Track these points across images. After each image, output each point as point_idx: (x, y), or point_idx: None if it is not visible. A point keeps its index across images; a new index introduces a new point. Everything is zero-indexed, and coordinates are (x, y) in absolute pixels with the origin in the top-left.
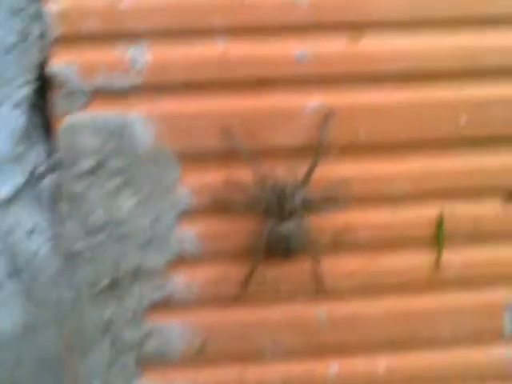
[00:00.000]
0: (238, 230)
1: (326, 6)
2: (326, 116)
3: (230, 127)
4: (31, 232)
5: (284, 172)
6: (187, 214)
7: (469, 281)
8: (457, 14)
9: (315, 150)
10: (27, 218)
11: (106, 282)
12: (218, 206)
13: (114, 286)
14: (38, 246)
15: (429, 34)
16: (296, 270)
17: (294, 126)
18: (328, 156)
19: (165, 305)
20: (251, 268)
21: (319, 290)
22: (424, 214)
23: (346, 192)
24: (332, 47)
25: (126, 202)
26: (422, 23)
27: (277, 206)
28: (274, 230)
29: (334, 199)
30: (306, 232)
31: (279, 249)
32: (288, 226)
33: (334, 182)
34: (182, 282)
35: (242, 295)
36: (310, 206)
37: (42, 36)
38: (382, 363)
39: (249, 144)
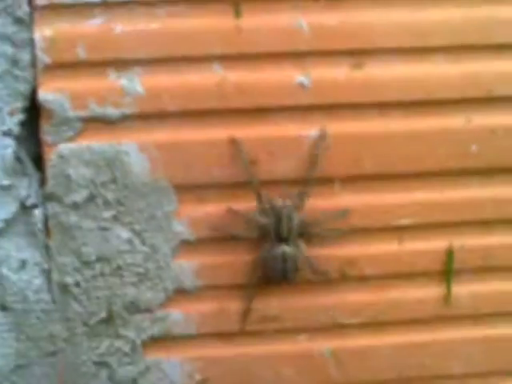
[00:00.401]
0: (237, 262)
1: (327, 32)
2: (319, 137)
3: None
4: (22, 265)
5: (282, 196)
6: (184, 246)
7: (479, 314)
8: (462, 41)
9: (308, 171)
10: (18, 250)
11: (101, 315)
12: (216, 233)
13: (109, 319)
14: (30, 278)
15: (434, 61)
16: (300, 304)
17: (294, 155)
18: (328, 184)
19: (163, 339)
20: (250, 293)
21: (315, 272)
22: (433, 246)
23: (344, 221)
24: (334, 74)
25: (121, 235)
26: (427, 50)
27: (274, 228)
28: (271, 252)
29: (330, 225)
30: (301, 254)
31: (276, 271)
32: (284, 248)
33: (333, 210)
34: (180, 315)
35: (245, 324)
36: (307, 230)
37: (32, 63)
38: None
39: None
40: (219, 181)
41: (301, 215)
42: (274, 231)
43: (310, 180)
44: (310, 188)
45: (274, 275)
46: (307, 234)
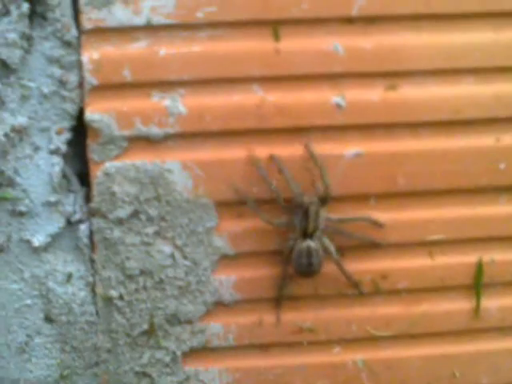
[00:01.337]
0: (273, 276)
1: (362, 55)
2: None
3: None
4: (68, 278)
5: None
6: (223, 261)
7: (507, 327)
8: (491, 63)
9: (321, 176)
10: (64, 264)
11: (143, 327)
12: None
13: (151, 331)
14: (75, 291)
15: (464, 82)
16: (334, 317)
17: (331, 174)
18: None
19: (202, 350)
20: (280, 284)
21: (353, 285)
22: (463, 260)
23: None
24: (368, 96)
25: (163, 249)
26: (458, 72)
27: (300, 223)
28: (296, 247)
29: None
30: (326, 249)
31: (301, 265)
32: (309, 243)
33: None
34: (219, 327)
35: (279, 314)
36: (333, 228)
37: (79, 84)
38: None
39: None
40: (258, 197)
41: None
42: (300, 226)
43: (325, 176)
44: (329, 183)
45: (300, 269)
46: (331, 229)
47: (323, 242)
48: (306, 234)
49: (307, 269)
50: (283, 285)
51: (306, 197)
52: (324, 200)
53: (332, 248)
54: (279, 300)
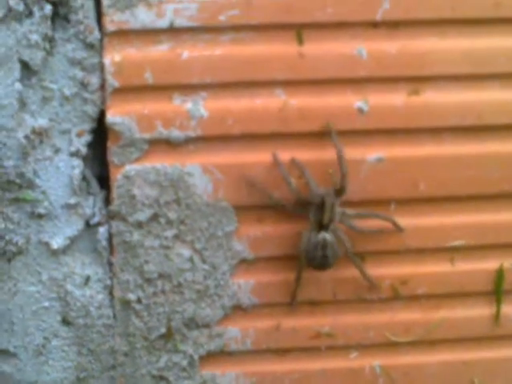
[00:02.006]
0: (291, 281)
1: (386, 59)
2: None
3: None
4: (86, 281)
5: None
6: (242, 265)
7: None
8: None
9: (338, 159)
10: (82, 266)
11: (161, 331)
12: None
13: (169, 335)
14: (93, 294)
15: (488, 88)
16: (352, 322)
17: (352, 178)
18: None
19: (220, 354)
20: (297, 276)
21: (372, 287)
22: (483, 266)
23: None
24: (391, 100)
25: (182, 253)
26: (482, 77)
27: (315, 215)
28: (311, 240)
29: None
30: (341, 242)
31: (316, 258)
32: (324, 236)
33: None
34: (237, 331)
35: (294, 304)
36: (347, 221)
37: (101, 87)
38: None
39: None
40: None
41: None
42: (315, 218)
43: (344, 168)
44: (346, 173)
45: (314, 262)
46: (347, 221)
47: (338, 235)
48: (322, 226)
49: (322, 261)
50: (299, 279)
51: (322, 188)
52: (340, 191)
53: (347, 242)
54: (295, 294)
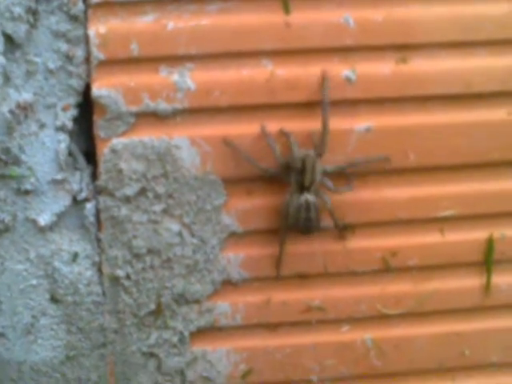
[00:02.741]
0: (284, 254)
1: (373, 27)
2: (323, 79)
3: None
4: (74, 258)
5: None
6: (231, 238)
7: None
8: (505, 35)
9: (322, 115)
10: (70, 243)
11: (150, 307)
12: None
13: (158, 311)
14: (81, 271)
15: (477, 55)
16: (343, 295)
17: (340, 148)
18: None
19: (210, 330)
20: (280, 241)
21: (336, 224)
22: (474, 236)
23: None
24: (379, 69)
25: (170, 227)
26: (470, 44)
27: (296, 177)
28: (295, 201)
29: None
30: (327, 204)
31: (299, 220)
32: (307, 197)
33: (378, 201)
34: (227, 306)
35: (279, 272)
36: (325, 181)
37: (86, 60)
38: None
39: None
40: (268, 174)
41: (322, 164)
42: (296, 180)
43: (325, 126)
44: (326, 131)
45: (298, 224)
46: (323, 183)
47: (320, 196)
48: (303, 188)
49: (306, 223)
50: (283, 242)
51: (302, 150)
52: (320, 149)
53: (327, 199)
54: (279, 261)
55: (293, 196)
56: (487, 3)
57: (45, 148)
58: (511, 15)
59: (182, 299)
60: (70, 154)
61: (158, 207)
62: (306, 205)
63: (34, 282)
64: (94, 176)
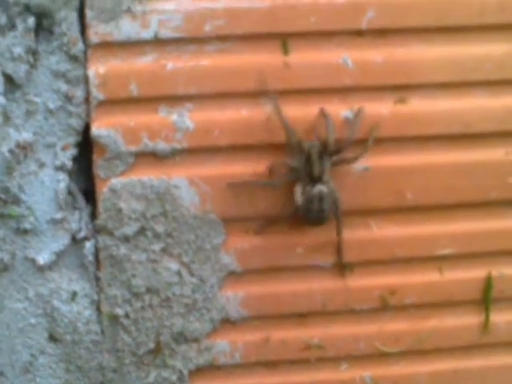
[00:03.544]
0: (281, 292)
1: (372, 68)
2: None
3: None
4: (73, 296)
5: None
6: (230, 277)
7: None
8: (502, 75)
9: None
10: (69, 282)
11: (149, 346)
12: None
13: (157, 350)
14: (80, 310)
15: (475, 95)
16: (342, 333)
17: (339, 188)
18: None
19: (209, 368)
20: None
21: (339, 260)
22: (472, 275)
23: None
24: (378, 109)
25: (169, 266)
26: (468, 85)
27: (305, 168)
28: (307, 193)
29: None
30: (334, 195)
31: (312, 211)
32: (320, 188)
33: (376, 242)
34: (226, 345)
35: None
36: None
37: (85, 99)
38: None
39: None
40: (266, 213)
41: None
42: (305, 172)
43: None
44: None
45: (310, 216)
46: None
47: (331, 188)
48: (313, 178)
49: (318, 215)
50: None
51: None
52: (326, 145)
53: (338, 195)
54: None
55: (305, 187)
56: (485, 44)
57: (44, 187)
58: (509, 56)
59: (180, 338)
60: (70, 193)
61: (157, 246)
62: (319, 196)
63: (33, 320)
64: (93, 215)
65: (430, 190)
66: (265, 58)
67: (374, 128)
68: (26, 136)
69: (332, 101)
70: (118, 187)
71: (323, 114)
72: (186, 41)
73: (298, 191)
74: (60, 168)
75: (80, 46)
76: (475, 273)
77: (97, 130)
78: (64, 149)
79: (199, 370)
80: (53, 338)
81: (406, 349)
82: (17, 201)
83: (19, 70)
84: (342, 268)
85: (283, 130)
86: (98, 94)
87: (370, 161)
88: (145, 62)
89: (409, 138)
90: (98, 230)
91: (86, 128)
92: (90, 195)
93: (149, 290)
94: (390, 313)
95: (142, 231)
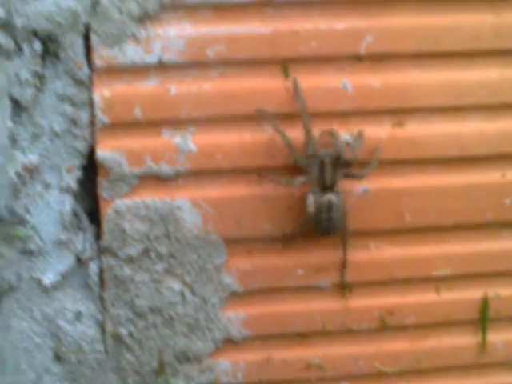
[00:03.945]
0: (282, 313)
1: (370, 92)
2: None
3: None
4: (77, 316)
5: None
6: (232, 297)
7: None
8: (498, 100)
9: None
10: (73, 302)
11: (152, 365)
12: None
13: (160, 369)
14: (85, 330)
15: (471, 119)
16: (342, 353)
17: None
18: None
19: None
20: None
21: (341, 276)
22: (469, 295)
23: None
24: (376, 133)
25: (172, 287)
26: (464, 109)
27: (318, 176)
28: (317, 201)
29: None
30: (343, 208)
31: (321, 220)
32: (330, 197)
33: (373, 264)
34: (228, 364)
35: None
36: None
37: (90, 123)
38: None
39: None
40: (268, 234)
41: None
42: (318, 180)
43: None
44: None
45: (319, 225)
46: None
47: (342, 200)
48: (325, 187)
49: (327, 224)
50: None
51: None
52: (339, 157)
53: (348, 209)
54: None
55: (315, 196)
56: (479, 69)
57: (49, 208)
58: (504, 80)
59: (183, 357)
60: (74, 214)
61: (160, 267)
62: (328, 205)
63: (38, 340)
64: (98, 236)
65: (427, 211)
66: (266, 82)
67: (377, 148)
68: (32, 158)
69: (332, 124)
70: (122, 208)
71: (330, 133)
72: (189, 65)
73: (311, 200)
74: (65, 190)
75: (85, 70)
76: (472, 293)
77: (101, 152)
78: (69, 171)
79: None
80: (57, 358)
81: (405, 368)
82: (22, 222)
83: (26, 94)
84: (343, 285)
85: (287, 148)
86: (103, 118)
87: (369, 183)
88: (149, 86)
89: (406, 161)
90: (102, 251)
91: (91, 150)
92: (94, 216)
93: (152, 310)
94: (389, 333)
95: (145, 252)
